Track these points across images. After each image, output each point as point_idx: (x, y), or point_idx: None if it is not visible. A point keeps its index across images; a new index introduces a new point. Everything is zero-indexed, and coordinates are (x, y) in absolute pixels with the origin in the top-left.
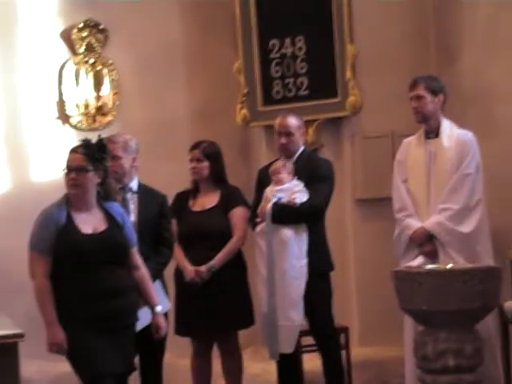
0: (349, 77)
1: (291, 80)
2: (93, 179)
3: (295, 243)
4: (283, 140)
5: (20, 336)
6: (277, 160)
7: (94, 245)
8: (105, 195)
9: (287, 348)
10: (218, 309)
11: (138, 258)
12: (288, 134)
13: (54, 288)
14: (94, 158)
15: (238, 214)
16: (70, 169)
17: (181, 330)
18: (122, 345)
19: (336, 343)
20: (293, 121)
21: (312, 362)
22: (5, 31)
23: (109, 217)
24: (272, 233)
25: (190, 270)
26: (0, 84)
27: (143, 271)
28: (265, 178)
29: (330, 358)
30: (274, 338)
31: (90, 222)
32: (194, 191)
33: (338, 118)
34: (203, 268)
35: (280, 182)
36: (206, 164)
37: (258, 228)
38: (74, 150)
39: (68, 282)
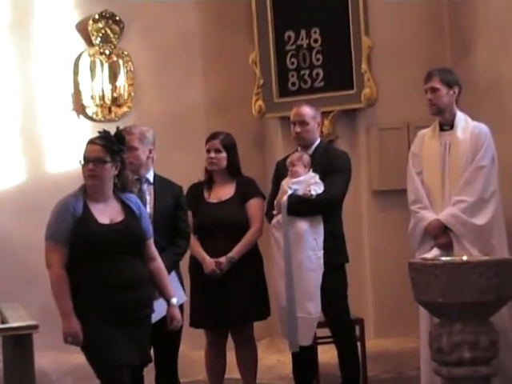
0: (364, 69)
1: (307, 71)
2: (110, 171)
3: (311, 235)
4: (298, 129)
5: (34, 327)
6: (294, 152)
7: (110, 235)
8: (122, 187)
9: (305, 340)
10: (234, 300)
11: (154, 250)
12: (302, 122)
13: (70, 279)
14: (112, 150)
15: (255, 205)
16: (88, 160)
17: (196, 322)
18: (138, 336)
19: (352, 335)
20: (307, 110)
21: (327, 354)
22: (21, 22)
23: (126, 208)
24: (288, 225)
25: (209, 261)
26: (16, 75)
27: (159, 263)
28: (282, 171)
29: (345, 350)
30: (293, 330)
31: (106, 213)
32: (208, 182)
33: (353, 110)
34: (223, 259)
35: (295, 174)
36: (224, 155)
37: (275, 220)
38: (92, 141)
39: (84, 273)
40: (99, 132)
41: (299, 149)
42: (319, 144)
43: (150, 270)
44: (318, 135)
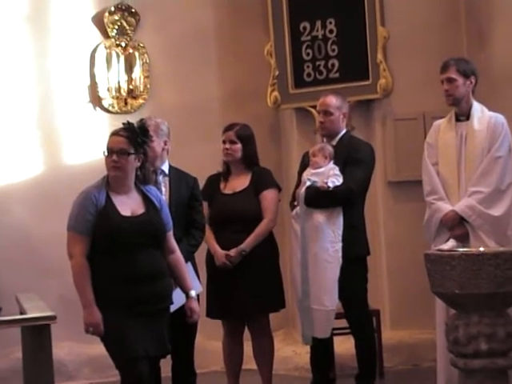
0: (380, 59)
1: (322, 62)
2: (133, 163)
3: (328, 227)
4: (321, 118)
5: (52, 318)
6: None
7: (132, 227)
8: (143, 179)
9: (321, 333)
10: (249, 291)
11: (173, 242)
12: (326, 112)
13: (91, 269)
14: (135, 142)
15: (269, 197)
16: (112, 151)
17: (212, 312)
18: (157, 328)
19: (369, 326)
20: (333, 100)
21: (344, 345)
22: (37, 15)
23: (147, 200)
24: (305, 216)
25: (220, 253)
26: (33, 68)
27: (178, 255)
28: (307, 162)
29: (363, 342)
30: (307, 323)
31: (128, 205)
32: (225, 174)
33: (369, 101)
34: (233, 252)
35: (315, 165)
36: (238, 146)
37: (294, 211)
38: (116, 133)
39: (105, 264)
40: (123, 124)
41: (324, 139)
42: (344, 135)
43: (169, 262)
44: (344, 126)
